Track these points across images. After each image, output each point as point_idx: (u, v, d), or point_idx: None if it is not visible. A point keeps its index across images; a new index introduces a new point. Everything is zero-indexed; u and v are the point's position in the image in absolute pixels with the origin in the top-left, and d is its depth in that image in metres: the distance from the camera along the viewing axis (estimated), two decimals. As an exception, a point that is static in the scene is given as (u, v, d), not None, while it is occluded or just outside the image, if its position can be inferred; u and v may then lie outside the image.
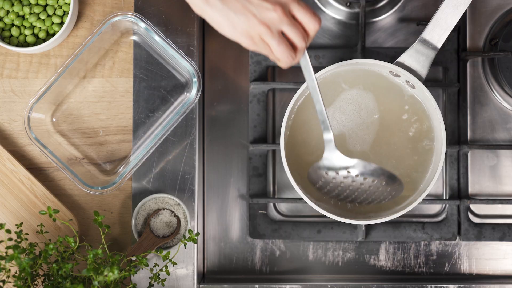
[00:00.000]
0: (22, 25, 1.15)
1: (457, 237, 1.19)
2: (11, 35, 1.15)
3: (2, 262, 1.03)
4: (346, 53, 1.19)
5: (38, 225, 1.13)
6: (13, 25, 1.15)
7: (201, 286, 1.17)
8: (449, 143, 1.18)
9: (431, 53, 1.06)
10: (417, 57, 1.06)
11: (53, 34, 1.15)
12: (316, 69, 1.06)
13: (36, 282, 1.06)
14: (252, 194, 1.19)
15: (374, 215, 1.08)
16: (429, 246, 1.22)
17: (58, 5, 1.15)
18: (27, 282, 1.03)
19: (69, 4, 1.13)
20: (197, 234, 1.09)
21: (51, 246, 1.04)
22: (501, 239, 1.18)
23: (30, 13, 1.14)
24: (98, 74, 1.18)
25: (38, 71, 1.18)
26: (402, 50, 1.08)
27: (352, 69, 1.09)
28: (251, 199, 1.18)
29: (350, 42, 1.23)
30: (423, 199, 1.07)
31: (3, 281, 1.03)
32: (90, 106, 1.18)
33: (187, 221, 1.14)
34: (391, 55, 1.18)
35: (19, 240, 1.06)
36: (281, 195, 1.23)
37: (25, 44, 1.15)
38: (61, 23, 1.15)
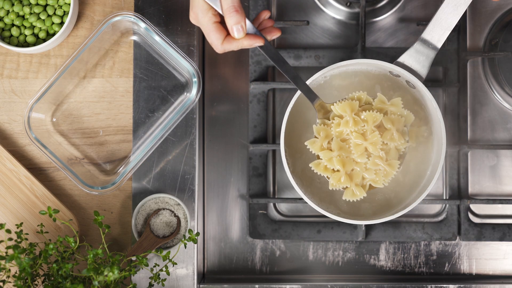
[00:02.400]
0: (22, 25, 1.15)
1: (457, 237, 1.19)
2: (11, 35, 1.15)
3: (2, 262, 1.03)
4: (346, 53, 1.19)
5: (38, 225, 1.13)
6: (13, 25, 1.15)
7: (201, 286, 1.17)
8: (449, 143, 1.18)
9: (431, 53, 1.06)
10: (417, 57, 1.06)
11: (53, 34, 1.15)
12: (316, 69, 1.06)
13: (36, 282, 1.06)
14: (252, 194, 1.19)
15: (375, 215, 1.08)
16: (429, 246, 1.22)
17: (58, 5, 1.15)
18: (27, 282, 1.03)
19: (69, 4, 1.13)
20: (197, 234, 1.09)
21: (51, 246, 1.03)
22: (501, 239, 1.18)
23: (30, 13, 1.14)
24: (98, 74, 1.18)
25: (38, 71, 1.18)
26: (402, 50, 1.08)
27: (352, 69, 1.09)
28: (251, 199, 1.18)
29: (350, 42, 1.23)
30: (423, 199, 1.06)
31: (3, 281, 1.03)
32: (90, 106, 1.18)
33: (187, 221, 1.14)
34: (391, 55, 1.18)
35: (19, 240, 1.06)
36: (281, 195, 1.23)
37: (25, 44, 1.15)
38: (61, 23, 1.15)
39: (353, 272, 1.22)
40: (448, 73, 1.20)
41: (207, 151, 1.23)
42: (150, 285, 1.10)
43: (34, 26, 1.15)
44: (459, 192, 1.19)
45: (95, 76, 1.18)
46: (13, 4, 1.14)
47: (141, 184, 1.16)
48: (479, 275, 1.22)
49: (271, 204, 1.22)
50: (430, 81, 1.21)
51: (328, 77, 1.09)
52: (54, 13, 1.15)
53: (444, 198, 1.21)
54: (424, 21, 1.17)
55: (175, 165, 1.16)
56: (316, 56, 1.19)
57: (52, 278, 1.05)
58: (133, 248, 1.11)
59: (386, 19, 1.23)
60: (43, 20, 1.14)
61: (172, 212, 1.14)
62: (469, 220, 1.19)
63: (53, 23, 1.14)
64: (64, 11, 1.15)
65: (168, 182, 1.16)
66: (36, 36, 1.15)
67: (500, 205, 1.22)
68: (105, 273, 0.99)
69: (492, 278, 1.21)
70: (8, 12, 1.14)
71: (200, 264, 1.20)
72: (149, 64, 1.17)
